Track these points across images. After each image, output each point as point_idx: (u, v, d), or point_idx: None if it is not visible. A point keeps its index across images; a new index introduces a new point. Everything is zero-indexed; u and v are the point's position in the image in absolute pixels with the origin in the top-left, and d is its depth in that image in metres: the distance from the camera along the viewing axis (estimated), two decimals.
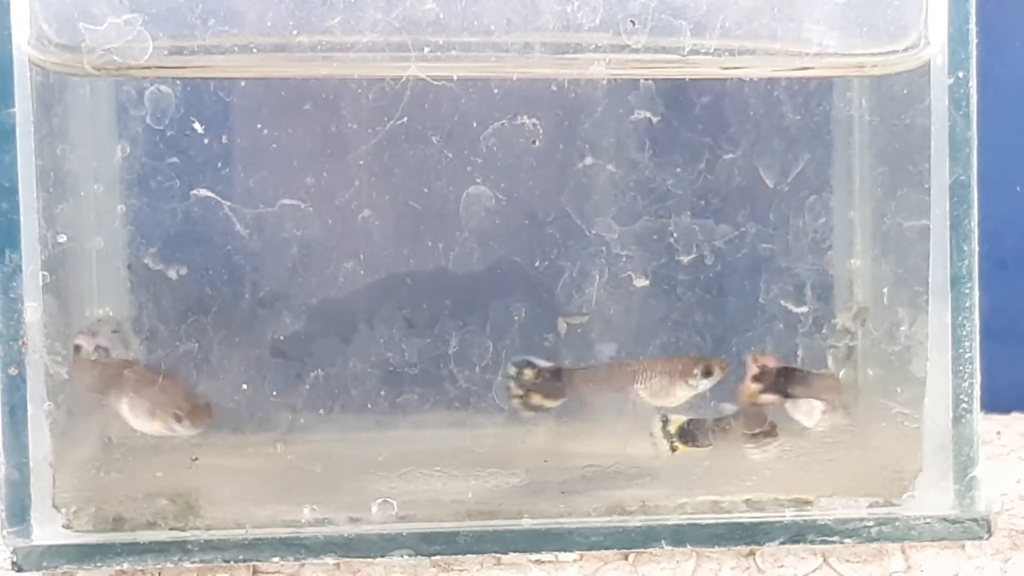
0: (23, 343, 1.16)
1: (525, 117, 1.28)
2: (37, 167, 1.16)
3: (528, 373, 1.31)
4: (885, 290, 1.33)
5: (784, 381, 1.31)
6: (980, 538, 1.22)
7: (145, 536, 1.19)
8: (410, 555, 1.20)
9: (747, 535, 1.22)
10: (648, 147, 1.32)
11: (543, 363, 1.31)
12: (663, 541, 1.21)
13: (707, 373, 1.29)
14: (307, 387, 1.31)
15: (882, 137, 1.32)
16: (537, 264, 1.33)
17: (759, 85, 1.32)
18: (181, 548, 1.18)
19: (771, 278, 1.35)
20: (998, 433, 1.56)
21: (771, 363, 1.32)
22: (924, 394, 1.24)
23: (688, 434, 1.29)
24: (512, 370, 1.30)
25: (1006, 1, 1.62)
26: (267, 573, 1.21)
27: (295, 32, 1.17)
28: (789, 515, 1.23)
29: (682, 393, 1.29)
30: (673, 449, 1.29)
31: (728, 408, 1.31)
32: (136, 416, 1.23)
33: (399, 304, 1.33)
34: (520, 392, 1.31)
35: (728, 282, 1.36)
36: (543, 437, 1.34)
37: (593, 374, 1.33)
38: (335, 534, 1.19)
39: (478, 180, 1.30)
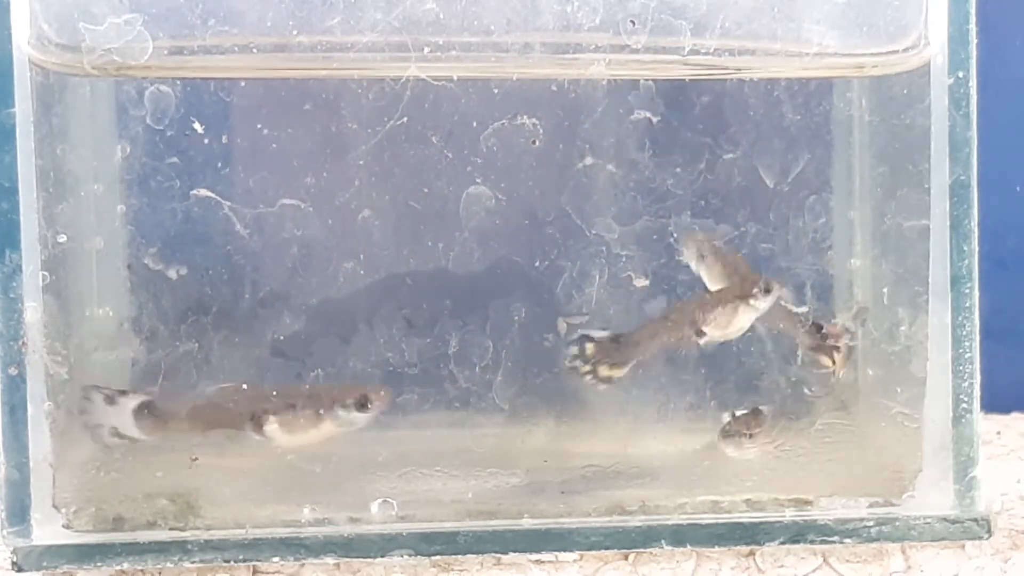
0: (23, 343, 1.16)
1: (525, 117, 1.28)
2: (37, 167, 1.16)
3: (590, 347, 1.30)
4: (885, 290, 1.33)
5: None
6: (980, 538, 1.22)
7: (145, 536, 1.19)
8: (410, 555, 1.20)
9: (747, 535, 1.22)
10: (648, 147, 1.32)
11: (600, 334, 1.30)
12: (663, 541, 1.21)
13: (766, 290, 1.28)
14: (307, 387, 1.31)
15: (882, 137, 1.32)
16: (537, 264, 1.33)
17: (759, 85, 1.32)
18: (181, 548, 1.18)
19: (771, 278, 1.35)
20: (998, 433, 1.56)
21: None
22: (924, 394, 1.24)
23: (756, 419, 1.29)
24: (573, 349, 1.30)
25: (1006, 1, 1.62)
26: (267, 573, 1.21)
27: (295, 32, 1.17)
28: (789, 515, 1.23)
29: (746, 318, 1.28)
30: (751, 436, 1.28)
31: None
32: (295, 429, 1.24)
33: (399, 304, 1.33)
34: (588, 368, 1.31)
35: None
36: (543, 437, 1.34)
37: (654, 330, 1.32)
38: (335, 534, 1.19)
39: (478, 180, 1.30)
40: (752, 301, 1.27)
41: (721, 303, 1.28)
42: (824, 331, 1.31)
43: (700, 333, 1.28)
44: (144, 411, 1.24)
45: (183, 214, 1.29)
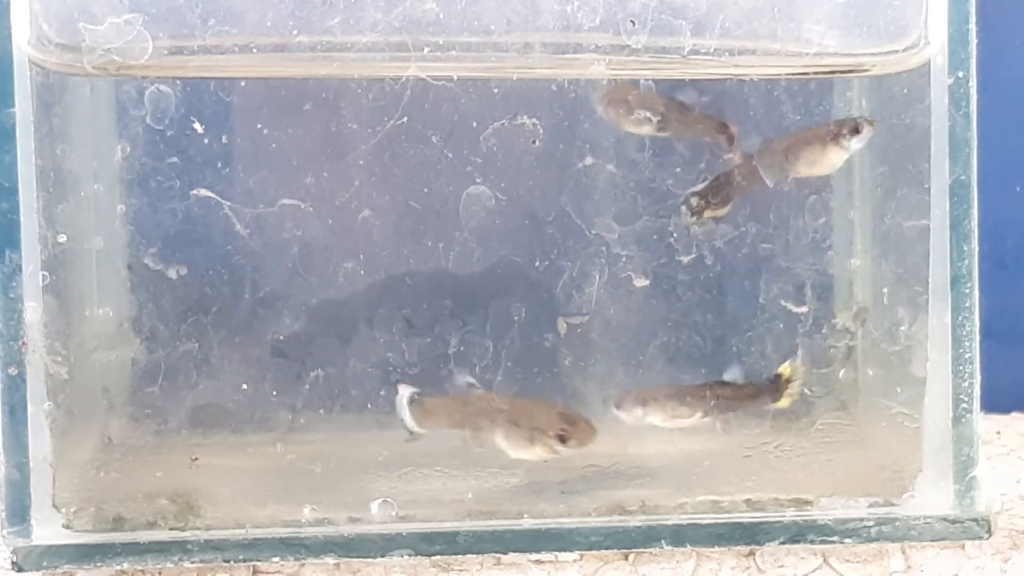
0: (23, 343, 1.16)
1: (525, 117, 1.28)
2: (37, 167, 1.16)
3: (695, 201, 1.31)
4: (885, 290, 1.33)
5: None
6: (980, 538, 1.22)
7: (145, 536, 1.19)
8: (410, 555, 1.20)
9: (747, 535, 1.22)
10: (648, 147, 1.32)
11: (698, 187, 1.31)
12: (663, 541, 1.21)
13: (855, 131, 1.28)
14: (307, 387, 1.31)
15: (882, 137, 1.32)
16: (537, 264, 1.33)
17: (759, 85, 1.32)
18: (181, 548, 1.18)
19: (771, 278, 1.35)
20: (998, 433, 1.56)
21: None
22: (924, 394, 1.24)
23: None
24: (685, 209, 1.31)
25: (1006, 1, 1.62)
26: (267, 573, 1.21)
27: (295, 32, 1.17)
28: (789, 515, 1.23)
29: (837, 158, 1.28)
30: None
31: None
32: (515, 445, 1.25)
33: (399, 304, 1.33)
34: (695, 220, 1.32)
35: (728, 282, 1.36)
36: None
37: (745, 170, 1.32)
38: (335, 534, 1.19)
39: (478, 180, 1.30)
40: (844, 143, 1.28)
41: (808, 143, 1.28)
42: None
43: (796, 170, 1.29)
44: (415, 402, 1.28)
45: (183, 214, 1.29)
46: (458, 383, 1.29)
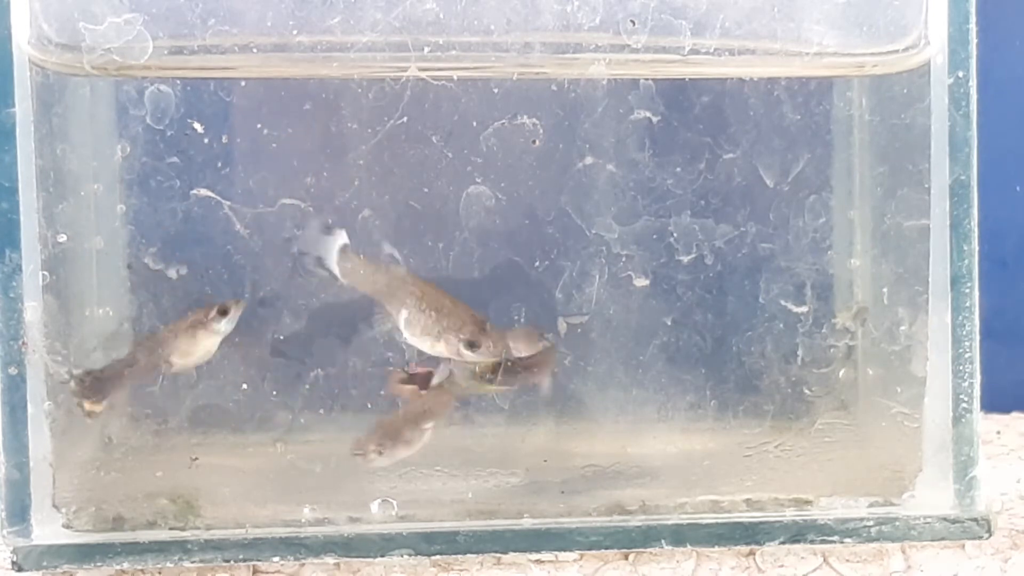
0: (23, 343, 1.16)
1: (525, 117, 1.28)
2: (37, 167, 1.16)
3: (72, 384, 1.25)
4: (885, 290, 1.33)
5: None
6: (980, 538, 1.22)
7: (145, 536, 1.19)
8: (410, 555, 1.20)
9: (747, 535, 1.22)
10: (648, 147, 1.32)
11: (76, 370, 1.26)
12: (663, 541, 1.21)
13: (222, 312, 1.26)
14: (307, 387, 1.31)
15: (882, 137, 1.32)
16: (537, 264, 1.33)
17: (759, 85, 1.32)
18: (181, 548, 1.18)
19: (771, 278, 1.35)
20: (998, 433, 1.56)
21: None
22: (924, 394, 1.24)
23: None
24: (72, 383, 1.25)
25: (1006, 1, 1.62)
26: (267, 573, 1.21)
27: (295, 32, 1.17)
28: (789, 515, 1.23)
29: (210, 343, 1.28)
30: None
31: None
32: (417, 334, 1.22)
33: None
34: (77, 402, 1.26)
35: (728, 282, 1.36)
36: (543, 437, 1.34)
37: (122, 364, 1.29)
38: (335, 534, 1.19)
39: (478, 180, 1.30)
40: (214, 325, 1.26)
41: (181, 332, 1.27)
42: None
43: (169, 363, 1.27)
44: (344, 252, 1.26)
45: (183, 214, 1.29)
46: (383, 252, 1.27)
